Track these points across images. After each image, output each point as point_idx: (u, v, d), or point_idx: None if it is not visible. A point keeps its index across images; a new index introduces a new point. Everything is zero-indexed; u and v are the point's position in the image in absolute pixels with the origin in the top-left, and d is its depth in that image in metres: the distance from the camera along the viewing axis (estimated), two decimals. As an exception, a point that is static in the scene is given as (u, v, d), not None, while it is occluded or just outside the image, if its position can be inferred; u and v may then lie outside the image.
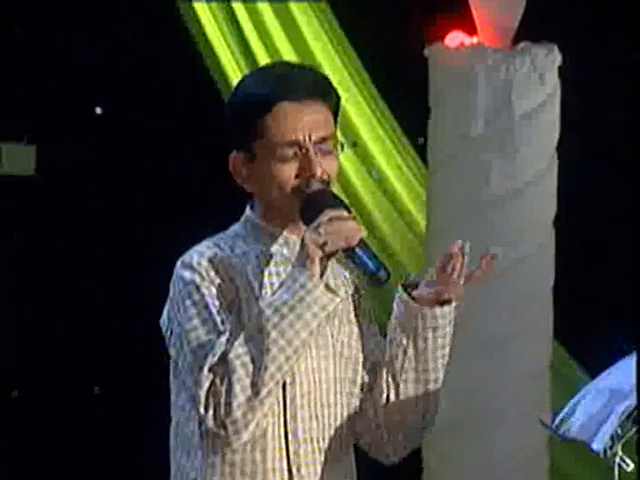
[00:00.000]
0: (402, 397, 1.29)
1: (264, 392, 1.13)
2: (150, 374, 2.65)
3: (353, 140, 6.43)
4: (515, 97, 4.04)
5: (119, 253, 4.69)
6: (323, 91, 1.30)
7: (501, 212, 3.94)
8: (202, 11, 5.20)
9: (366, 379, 1.33)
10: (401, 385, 1.29)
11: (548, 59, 4.01)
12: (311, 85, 1.28)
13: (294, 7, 6.15)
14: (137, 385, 4.39)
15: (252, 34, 5.29)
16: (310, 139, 1.24)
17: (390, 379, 1.29)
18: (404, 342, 1.27)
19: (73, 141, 4.71)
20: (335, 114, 1.31)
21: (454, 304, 1.27)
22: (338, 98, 1.34)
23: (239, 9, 5.25)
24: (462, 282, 1.22)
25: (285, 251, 1.25)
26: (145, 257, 4.39)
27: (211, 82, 4.81)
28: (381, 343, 1.35)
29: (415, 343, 1.26)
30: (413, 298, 1.26)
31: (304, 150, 1.23)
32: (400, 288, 1.27)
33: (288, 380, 1.20)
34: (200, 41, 5.12)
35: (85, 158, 4.73)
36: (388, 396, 1.30)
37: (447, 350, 1.30)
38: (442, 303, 1.25)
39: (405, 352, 1.27)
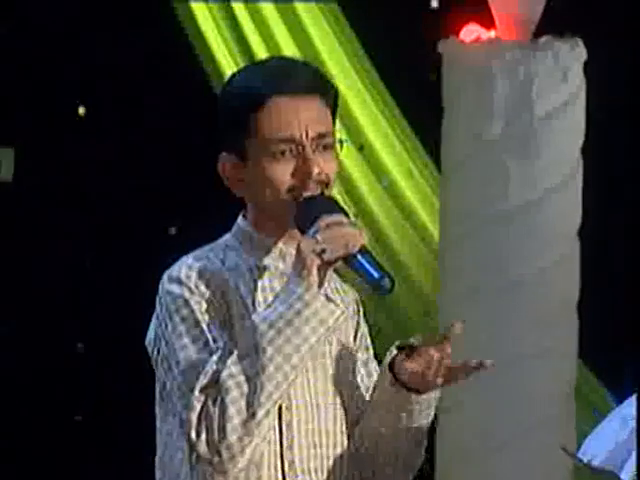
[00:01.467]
0: (380, 448, 1.28)
1: (261, 414, 1.12)
2: (135, 400, 2.65)
3: (360, 143, 6.45)
4: (536, 96, 4.03)
5: (103, 265, 4.70)
6: (320, 85, 1.29)
7: (520, 222, 3.93)
8: (200, 12, 5.22)
9: (355, 411, 1.32)
10: (377, 439, 1.27)
11: (572, 54, 4.00)
12: (307, 78, 1.28)
13: (300, 7, 6.22)
14: (121, 412, 4.38)
15: (254, 36, 5.31)
16: (307, 135, 1.23)
17: (368, 430, 1.29)
18: (377, 411, 1.27)
19: (55, 144, 4.73)
20: (333, 110, 1.31)
21: (433, 394, 1.24)
22: (336, 93, 1.33)
23: (239, 9, 5.28)
24: (439, 382, 1.19)
25: (281, 264, 1.23)
26: (130, 269, 4.39)
27: (210, 86, 4.83)
28: (372, 374, 1.34)
29: (389, 416, 1.25)
30: (393, 370, 1.22)
31: (300, 147, 1.22)
32: (388, 355, 1.24)
33: (284, 405, 1.19)
34: (198, 43, 5.15)
35: (69, 162, 4.75)
36: (364, 442, 1.29)
37: (426, 426, 1.28)
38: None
39: (379, 419, 1.26)
